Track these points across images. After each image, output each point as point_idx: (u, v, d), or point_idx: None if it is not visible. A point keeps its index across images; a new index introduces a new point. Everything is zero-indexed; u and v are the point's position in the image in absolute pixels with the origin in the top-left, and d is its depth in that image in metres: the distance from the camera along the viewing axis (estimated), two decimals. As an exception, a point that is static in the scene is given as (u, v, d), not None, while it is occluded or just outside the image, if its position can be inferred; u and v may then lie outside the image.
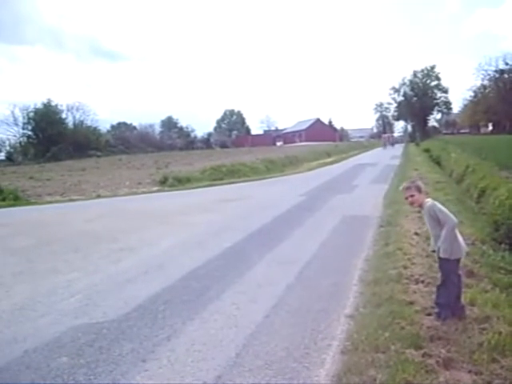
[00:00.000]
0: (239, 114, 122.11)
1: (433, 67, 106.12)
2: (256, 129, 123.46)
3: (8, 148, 77.14)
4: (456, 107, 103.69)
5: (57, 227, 12.64)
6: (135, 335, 5.20)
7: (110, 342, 5.05)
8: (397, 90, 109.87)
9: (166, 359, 4.59)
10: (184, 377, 4.23)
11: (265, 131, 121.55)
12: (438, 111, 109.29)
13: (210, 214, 13.75)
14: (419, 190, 5.25)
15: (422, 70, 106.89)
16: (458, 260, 5.17)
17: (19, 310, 6.15)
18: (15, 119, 74.59)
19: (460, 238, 5.12)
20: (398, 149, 60.34)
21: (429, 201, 5.22)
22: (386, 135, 79.08)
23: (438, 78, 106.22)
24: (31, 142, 75.32)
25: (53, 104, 76.03)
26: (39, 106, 74.72)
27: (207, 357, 4.59)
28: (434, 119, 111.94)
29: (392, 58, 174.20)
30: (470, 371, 4.02)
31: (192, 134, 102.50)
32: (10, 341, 5.19)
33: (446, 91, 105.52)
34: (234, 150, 71.13)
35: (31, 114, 74.53)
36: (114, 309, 6.03)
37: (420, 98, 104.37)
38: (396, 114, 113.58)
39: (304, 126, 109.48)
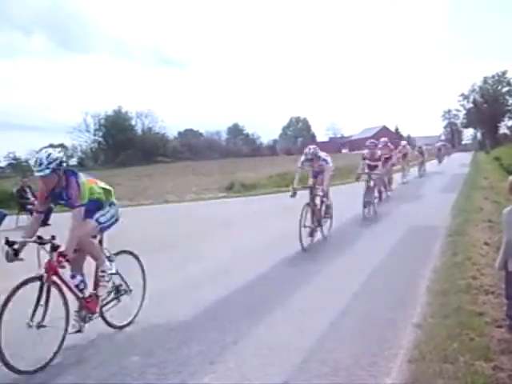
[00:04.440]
0: (305, 121, 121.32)
1: (504, 73, 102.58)
2: (322, 136, 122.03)
3: (80, 154, 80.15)
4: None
5: (125, 231, 13.00)
6: (203, 338, 5.31)
7: (179, 343, 5.19)
8: (466, 97, 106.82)
9: (233, 362, 4.66)
10: (251, 380, 4.28)
11: (330, 138, 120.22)
12: (510, 118, 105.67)
13: (275, 220, 13.79)
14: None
15: (493, 76, 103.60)
16: None
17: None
18: (87, 126, 77.57)
19: None
20: (464, 157, 57.40)
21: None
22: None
23: (509, 84, 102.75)
24: (102, 147, 78.09)
25: (123, 111, 78.60)
26: (110, 113, 77.33)
27: (274, 361, 4.63)
28: (505, 126, 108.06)
29: (461, 64, 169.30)
30: (544, 387, 3.90)
31: (258, 141, 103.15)
32: (84, 339, 5.39)
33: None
34: (300, 157, 70.77)
35: (102, 121, 77.24)
36: (182, 312, 6.17)
37: (490, 105, 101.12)
38: (465, 121, 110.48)
39: (370, 134, 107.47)
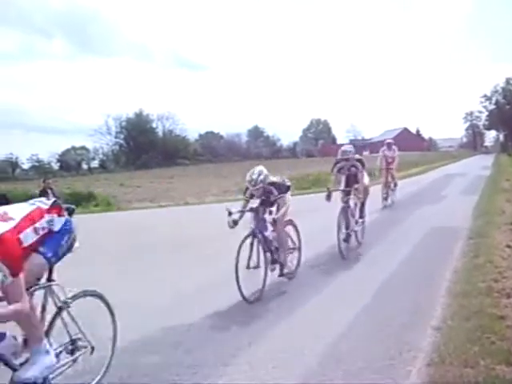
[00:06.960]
0: (325, 124, 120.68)
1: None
2: (342, 138, 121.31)
3: (101, 156, 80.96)
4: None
5: (147, 232, 13.06)
6: (218, 339, 5.28)
7: (194, 344, 5.16)
8: (488, 98, 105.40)
9: (246, 364, 4.60)
10: (264, 382, 4.23)
11: (351, 140, 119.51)
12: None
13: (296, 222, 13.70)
14: None
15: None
16: None
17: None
18: (108, 128, 78.38)
19: None
20: (486, 160, 56.22)
21: None
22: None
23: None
24: (123, 150, 78.87)
25: (144, 114, 79.32)
26: (131, 115, 78.09)
27: (288, 364, 4.56)
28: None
29: (483, 65, 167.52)
30: None
31: (278, 143, 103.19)
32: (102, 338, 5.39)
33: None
34: (320, 159, 70.52)
35: (123, 124, 78.01)
36: (200, 312, 6.14)
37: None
38: (487, 123, 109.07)
39: (391, 136, 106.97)
